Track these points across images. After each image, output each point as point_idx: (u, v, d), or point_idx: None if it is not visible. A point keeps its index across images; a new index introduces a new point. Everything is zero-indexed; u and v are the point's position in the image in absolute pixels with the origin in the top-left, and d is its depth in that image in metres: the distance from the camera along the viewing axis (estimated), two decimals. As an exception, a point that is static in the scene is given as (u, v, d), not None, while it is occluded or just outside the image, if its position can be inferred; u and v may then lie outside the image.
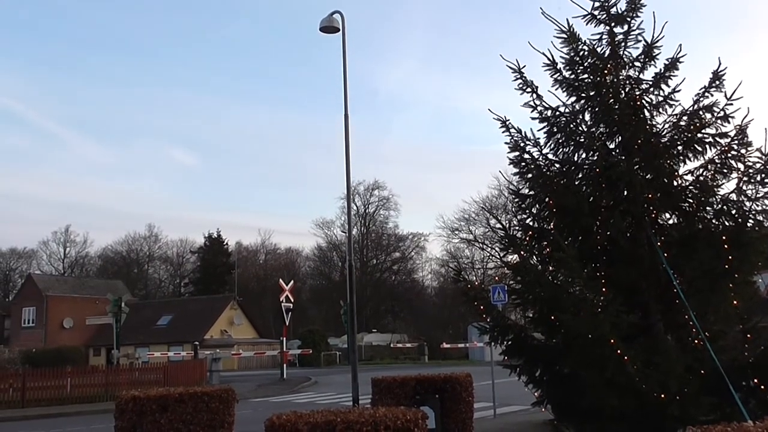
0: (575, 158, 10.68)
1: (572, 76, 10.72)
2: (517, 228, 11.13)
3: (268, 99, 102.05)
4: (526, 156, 10.69)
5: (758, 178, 9.59)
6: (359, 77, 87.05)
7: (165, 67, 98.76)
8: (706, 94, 10.00)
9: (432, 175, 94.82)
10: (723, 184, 9.86)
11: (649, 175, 10.03)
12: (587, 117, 10.71)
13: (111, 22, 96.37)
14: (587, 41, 10.66)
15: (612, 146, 10.53)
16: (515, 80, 10.78)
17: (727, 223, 9.71)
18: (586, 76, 10.64)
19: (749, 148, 9.72)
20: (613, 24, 10.62)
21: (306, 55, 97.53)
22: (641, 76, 10.54)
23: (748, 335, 9.61)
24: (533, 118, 10.81)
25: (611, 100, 10.27)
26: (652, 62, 10.46)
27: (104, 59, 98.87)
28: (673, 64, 10.24)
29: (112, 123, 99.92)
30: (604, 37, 10.65)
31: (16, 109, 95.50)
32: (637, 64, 10.54)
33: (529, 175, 10.67)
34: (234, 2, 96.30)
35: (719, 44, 78.73)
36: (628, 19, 10.55)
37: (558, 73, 10.74)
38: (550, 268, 10.19)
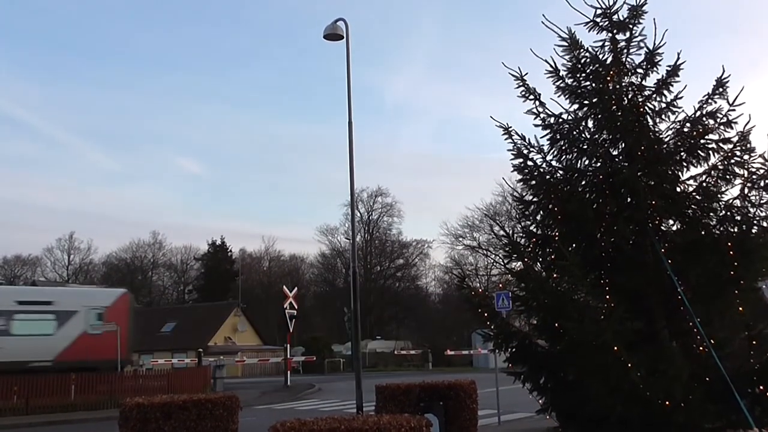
0: (578, 165, 10.69)
1: (575, 84, 10.75)
2: (521, 235, 11.14)
3: (273, 107, 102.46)
4: (530, 163, 10.70)
5: (762, 184, 9.59)
6: (366, 86, 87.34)
7: (170, 76, 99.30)
8: (710, 101, 10.01)
9: (436, 182, 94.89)
10: (726, 190, 9.86)
11: (652, 182, 10.03)
12: (590, 124, 10.73)
13: (118, 31, 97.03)
14: (589, 48, 10.70)
15: (615, 153, 10.54)
16: (518, 88, 10.83)
17: (731, 230, 9.69)
18: (588, 83, 10.66)
19: (752, 154, 9.73)
20: (615, 31, 10.64)
21: (312, 64, 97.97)
22: (644, 82, 10.56)
23: (754, 342, 9.57)
24: (536, 125, 10.85)
25: (614, 107, 10.28)
26: (655, 69, 10.48)
27: (111, 68, 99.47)
28: (674, 71, 10.26)
29: (117, 131, 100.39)
30: (606, 44, 10.68)
31: (23, 117, 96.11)
32: (640, 70, 10.56)
33: (533, 182, 10.68)
34: (240, 11, 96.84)
35: (725, 50, 78.75)
36: (630, 26, 10.57)
37: (560, 81, 10.78)
38: (554, 275, 10.18)
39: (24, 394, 19.56)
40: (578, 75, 10.71)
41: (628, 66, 10.63)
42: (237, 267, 66.99)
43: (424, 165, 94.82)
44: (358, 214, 64.71)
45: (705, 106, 10.05)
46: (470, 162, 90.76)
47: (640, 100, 10.38)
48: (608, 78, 10.39)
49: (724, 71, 9.99)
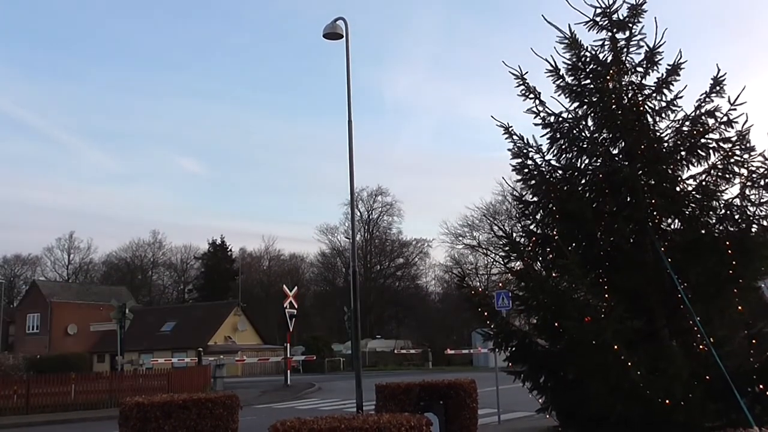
0: (578, 164, 10.70)
1: (575, 82, 10.76)
2: (520, 234, 11.14)
3: (273, 107, 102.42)
4: (529, 162, 10.72)
5: (761, 183, 9.60)
6: (365, 85, 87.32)
7: (170, 76, 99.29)
8: (707, 99, 10.03)
9: (436, 181, 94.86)
10: (726, 189, 9.88)
11: (652, 181, 10.05)
12: (590, 123, 10.75)
13: (118, 31, 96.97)
14: (589, 47, 10.72)
15: (615, 152, 10.56)
16: (518, 86, 10.84)
17: (731, 229, 9.70)
18: (588, 81, 10.67)
19: (752, 153, 9.74)
20: (615, 30, 10.65)
21: (312, 63, 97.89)
22: (644, 81, 10.57)
23: (754, 341, 9.58)
24: (536, 124, 10.86)
25: (614, 106, 10.29)
26: (655, 68, 10.50)
27: (111, 68, 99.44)
28: (674, 69, 10.27)
29: (117, 131, 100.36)
30: (606, 43, 10.69)
31: (23, 117, 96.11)
32: (640, 69, 10.58)
33: (532, 182, 10.69)
34: (240, 11, 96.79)
35: (726, 48, 78.73)
36: (630, 25, 10.58)
37: (561, 79, 10.79)
38: (554, 274, 10.19)
39: (24, 394, 19.55)
40: (578, 74, 10.71)
41: (628, 65, 10.63)
42: (237, 266, 66.98)
43: (424, 164, 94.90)
44: (358, 214, 64.71)
45: (702, 105, 10.07)
46: (470, 161, 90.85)
47: (640, 99, 10.39)
48: (608, 77, 10.39)
49: (719, 70, 10.05)
